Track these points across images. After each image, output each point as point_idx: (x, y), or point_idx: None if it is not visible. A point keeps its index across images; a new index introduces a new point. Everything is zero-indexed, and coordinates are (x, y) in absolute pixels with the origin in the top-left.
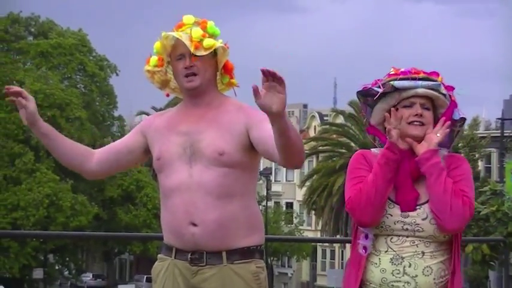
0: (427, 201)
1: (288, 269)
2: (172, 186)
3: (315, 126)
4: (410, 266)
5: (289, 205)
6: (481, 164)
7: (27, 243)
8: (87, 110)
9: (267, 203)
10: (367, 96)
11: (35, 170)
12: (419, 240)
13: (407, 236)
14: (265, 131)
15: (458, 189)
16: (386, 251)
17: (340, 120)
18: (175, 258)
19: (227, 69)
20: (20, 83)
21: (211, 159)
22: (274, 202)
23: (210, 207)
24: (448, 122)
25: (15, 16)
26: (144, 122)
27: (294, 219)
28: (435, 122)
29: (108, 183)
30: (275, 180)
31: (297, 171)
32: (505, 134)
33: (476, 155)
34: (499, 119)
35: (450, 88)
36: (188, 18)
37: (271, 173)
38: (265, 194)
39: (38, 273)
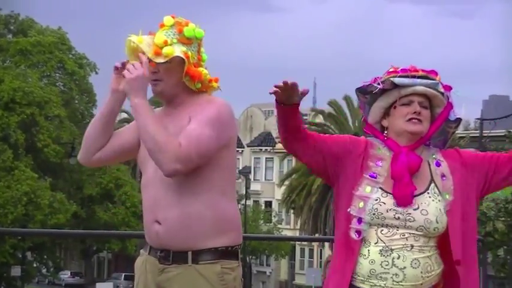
0: (420, 194)
1: (266, 267)
2: (143, 184)
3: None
4: (399, 257)
5: (268, 204)
6: None
7: (5, 241)
8: (67, 108)
9: (246, 202)
10: (365, 94)
11: (14, 167)
12: (409, 234)
13: (397, 228)
14: (190, 125)
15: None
16: (376, 243)
17: (320, 119)
18: (149, 254)
19: (192, 77)
20: None
21: None
22: (253, 201)
23: (172, 204)
24: None
25: None
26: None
27: (273, 218)
28: (432, 122)
29: (87, 181)
30: (254, 179)
31: (276, 170)
32: (484, 134)
33: None
34: (478, 119)
35: (448, 88)
36: (168, 20)
37: (250, 172)
38: (244, 192)
39: (16, 271)
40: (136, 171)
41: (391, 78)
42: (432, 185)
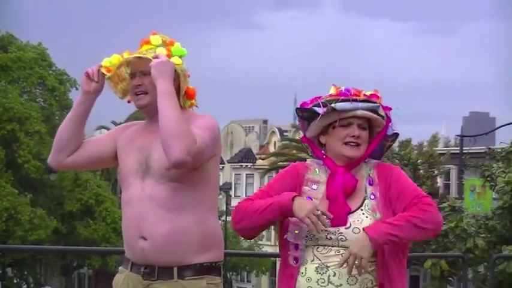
0: (354, 211)
1: (247, 283)
2: (126, 200)
3: (275, 141)
4: (334, 275)
5: None
6: (440, 181)
7: None
8: (47, 124)
9: (226, 218)
10: (305, 112)
11: None
12: (344, 250)
13: (332, 246)
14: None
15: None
16: (312, 260)
17: (300, 135)
18: (130, 271)
19: (189, 95)
20: None
21: (160, 174)
22: None
23: (160, 220)
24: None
25: None
26: (116, 129)
27: None
28: (370, 140)
29: (67, 197)
30: (235, 195)
31: (256, 186)
32: (464, 151)
33: (436, 172)
34: (458, 135)
35: (387, 108)
36: (155, 39)
37: (230, 188)
38: (224, 209)
39: None
40: (117, 187)
41: (332, 104)
42: (366, 201)
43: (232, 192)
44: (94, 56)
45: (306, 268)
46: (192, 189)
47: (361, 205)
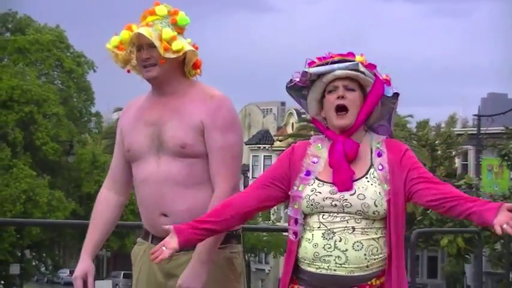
0: (358, 179)
1: (265, 265)
2: (142, 178)
3: (292, 123)
4: (340, 240)
5: None
6: (458, 161)
7: (3, 239)
8: (65, 106)
9: None
10: (297, 91)
11: (12, 165)
12: (350, 216)
13: (337, 213)
14: (215, 141)
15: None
16: (318, 227)
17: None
18: (151, 243)
19: (196, 66)
20: None
21: (175, 152)
22: None
23: (179, 197)
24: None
25: None
26: (119, 124)
27: (272, 215)
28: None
29: (85, 179)
30: (252, 177)
31: None
32: (481, 131)
33: (453, 152)
34: (475, 115)
35: (372, 66)
36: (160, 10)
37: (248, 170)
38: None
39: (14, 269)
40: None
41: (305, 70)
42: (372, 169)
43: (250, 174)
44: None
45: (312, 234)
46: (207, 164)
47: (366, 173)
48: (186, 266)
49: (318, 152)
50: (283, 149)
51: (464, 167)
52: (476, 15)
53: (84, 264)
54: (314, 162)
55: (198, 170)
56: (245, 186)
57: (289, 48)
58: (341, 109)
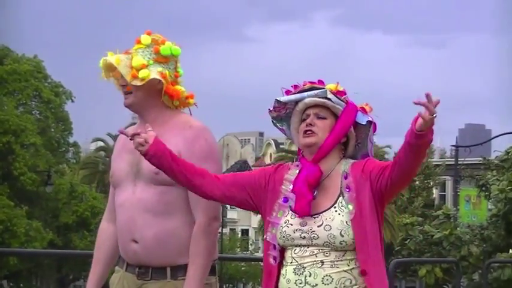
0: (325, 210)
1: None
2: (119, 203)
3: (270, 153)
4: (310, 275)
5: (245, 232)
6: (435, 192)
7: None
8: (43, 136)
9: (222, 230)
10: (283, 121)
11: None
12: (318, 250)
13: (307, 246)
14: None
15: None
16: (291, 262)
17: (296, 147)
18: (126, 270)
19: (170, 96)
20: None
21: (150, 178)
22: (230, 229)
23: (148, 223)
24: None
25: None
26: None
27: (250, 246)
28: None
29: (63, 210)
30: (231, 207)
31: None
32: (459, 162)
33: (431, 183)
34: (453, 145)
35: (341, 93)
36: (145, 39)
37: None
38: (220, 221)
39: None
40: None
41: (277, 98)
42: (340, 198)
43: (228, 205)
44: (89, 68)
45: (286, 270)
46: (182, 192)
47: (335, 202)
48: None
49: (293, 177)
50: None
51: (442, 198)
52: (453, 46)
53: None
54: (290, 189)
55: (171, 198)
56: (223, 216)
57: (266, 78)
58: (309, 135)
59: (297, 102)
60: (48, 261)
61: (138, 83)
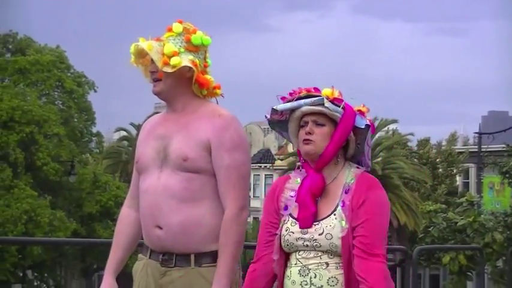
0: (325, 217)
1: None
2: (144, 189)
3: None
4: (315, 276)
5: None
6: (459, 179)
7: (5, 259)
8: (65, 127)
9: None
10: (271, 125)
11: (13, 186)
12: (323, 253)
13: (310, 250)
14: (222, 161)
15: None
16: (295, 264)
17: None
18: (149, 258)
19: (200, 84)
20: None
21: (177, 164)
22: (253, 218)
23: (174, 210)
24: None
25: None
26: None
27: None
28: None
29: (87, 199)
30: (254, 196)
31: None
32: (482, 149)
33: (454, 170)
34: (476, 133)
35: (339, 100)
36: (177, 27)
37: (250, 189)
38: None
39: None
40: None
41: (273, 107)
42: (339, 207)
43: (251, 193)
44: (111, 58)
45: (290, 271)
46: (208, 180)
47: (335, 210)
48: (179, 283)
49: (296, 186)
50: (284, 168)
51: (466, 185)
52: (475, 33)
53: (107, 283)
54: (292, 196)
55: (196, 186)
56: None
57: (288, 67)
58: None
59: (293, 110)
60: (72, 250)
61: (169, 69)
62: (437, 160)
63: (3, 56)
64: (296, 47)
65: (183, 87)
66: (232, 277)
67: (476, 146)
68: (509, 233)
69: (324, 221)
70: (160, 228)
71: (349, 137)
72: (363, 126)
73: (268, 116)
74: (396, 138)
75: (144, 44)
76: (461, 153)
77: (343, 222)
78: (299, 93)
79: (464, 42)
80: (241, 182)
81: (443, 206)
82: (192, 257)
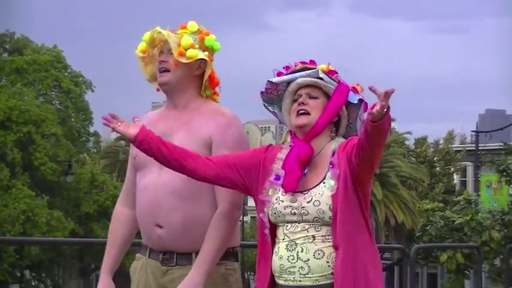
0: (314, 186)
1: None
2: (142, 186)
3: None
4: (302, 250)
5: None
6: (456, 178)
7: (3, 259)
8: (63, 126)
9: (243, 218)
10: (274, 104)
11: (11, 186)
12: (309, 225)
13: (298, 222)
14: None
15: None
16: (283, 239)
17: None
18: (148, 257)
19: (211, 83)
20: None
21: None
22: (251, 217)
23: (175, 208)
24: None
25: None
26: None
27: None
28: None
29: (84, 199)
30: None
31: None
32: (479, 148)
33: (452, 169)
34: (473, 131)
35: (332, 73)
36: (192, 25)
37: None
38: (241, 209)
39: None
40: None
41: (269, 79)
42: (328, 173)
43: None
44: (109, 58)
45: (278, 247)
46: None
47: (324, 178)
48: (180, 281)
49: (284, 157)
50: None
51: (463, 183)
52: (474, 31)
53: (103, 282)
54: (281, 167)
55: (198, 183)
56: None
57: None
58: (302, 114)
59: (288, 83)
60: (70, 250)
61: (184, 60)
62: (435, 158)
63: (0, 55)
64: (295, 46)
65: (189, 82)
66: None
67: (474, 145)
68: (507, 231)
69: (313, 189)
70: (161, 227)
71: (341, 112)
72: (356, 101)
73: (263, 90)
74: (393, 137)
75: (163, 31)
76: (458, 151)
77: (333, 182)
78: (295, 66)
79: (463, 40)
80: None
81: (441, 204)
82: (194, 255)
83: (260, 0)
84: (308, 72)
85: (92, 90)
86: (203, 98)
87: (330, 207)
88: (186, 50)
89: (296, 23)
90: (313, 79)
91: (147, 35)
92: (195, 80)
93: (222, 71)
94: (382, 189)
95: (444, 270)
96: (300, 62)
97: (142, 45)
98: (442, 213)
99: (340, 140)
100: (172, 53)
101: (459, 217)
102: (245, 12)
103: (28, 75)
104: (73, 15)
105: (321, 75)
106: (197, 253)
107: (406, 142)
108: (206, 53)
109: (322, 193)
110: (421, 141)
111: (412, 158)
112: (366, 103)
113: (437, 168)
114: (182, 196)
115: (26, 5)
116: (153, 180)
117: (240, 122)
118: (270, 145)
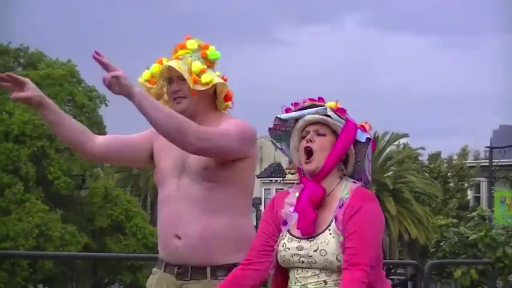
0: (320, 233)
1: None
2: (162, 198)
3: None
4: None
5: None
6: (470, 193)
7: (17, 274)
8: None
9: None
10: (273, 138)
11: (25, 200)
12: (320, 271)
13: (308, 268)
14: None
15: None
16: (295, 283)
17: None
18: (164, 271)
19: (227, 98)
20: (9, 113)
21: (197, 173)
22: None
23: (194, 220)
24: None
25: (4, 47)
26: (152, 131)
27: None
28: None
29: (98, 213)
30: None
31: None
32: (493, 163)
33: (466, 184)
34: (487, 147)
35: (342, 111)
36: (191, 44)
37: (260, 203)
38: (255, 224)
39: None
40: (147, 203)
41: (277, 116)
42: (333, 223)
43: (262, 208)
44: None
45: None
46: (227, 190)
47: (329, 225)
48: None
49: (294, 199)
50: (296, 181)
51: (477, 199)
52: (484, 47)
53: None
54: (290, 212)
55: (218, 196)
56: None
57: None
58: (308, 153)
59: (297, 119)
60: (83, 265)
61: (201, 87)
62: (449, 174)
63: (14, 70)
64: (307, 61)
65: (206, 101)
66: (139, 97)
67: (488, 160)
68: None
69: (318, 237)
70: (179, 238)
71: (349, 151)
72: (364, 140)
73: (272, 126)
74: (407, 152)
75: (172, 63)
76: (472, 167)
77: (340, 237)
78: (303, 103)
79: (475, 55)
80: (220, 135)
81: (455, 220)
82: (208, 269)
83: (273, 15)
84: (316, 109)
85: (106, 105)
86: (218, 111)
87: (337, 256)
88: (199, 76)
89: (309, 37)
90: (321, 116)
91: (155, 68)
92: (211, 97)
93: (235, 85)
94: (396, 204)
95: (458, 286)
96: (309, 99)
97: (146, 75)
98: (456, 229)
99: (349, 185)
100: (182, 79)
101: (473, 233)
102: (257, 27)
103: (42, 89)
104: (87, 29)
105: (329, 112)
106: (212, 267)
107: (420, 158)
108: (218, 72)
109: (327, 241)
110: (434, 157)
111: (426, 174)
112: (374, 141)
113: (451, 184)
114: (202, 208)
115: (40, 20)
116: (173, 193)
117: (252, 126)
118: (273, 199)
